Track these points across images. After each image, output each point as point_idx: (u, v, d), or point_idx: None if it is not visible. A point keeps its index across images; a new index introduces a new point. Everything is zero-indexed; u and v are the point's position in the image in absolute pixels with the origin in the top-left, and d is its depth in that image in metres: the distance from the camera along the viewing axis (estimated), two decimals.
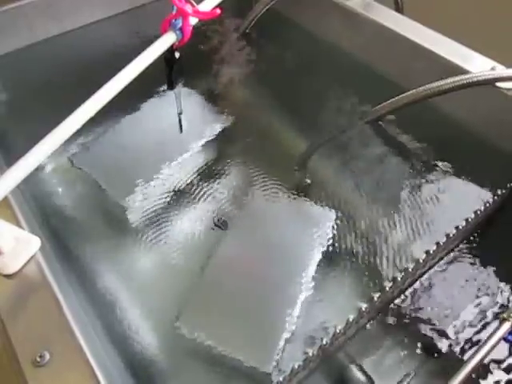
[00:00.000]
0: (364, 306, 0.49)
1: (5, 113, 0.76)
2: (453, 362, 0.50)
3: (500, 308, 0.54)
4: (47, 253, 0.50)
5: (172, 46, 0.57)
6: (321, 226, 0.59)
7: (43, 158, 0.46)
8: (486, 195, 0.61)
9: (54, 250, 0.53)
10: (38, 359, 0.41)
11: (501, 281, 0.56)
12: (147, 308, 0.55)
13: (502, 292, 0.56)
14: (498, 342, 0.46)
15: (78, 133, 0.48)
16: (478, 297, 0.55)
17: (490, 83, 0.62)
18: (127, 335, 0.53)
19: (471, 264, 0.58)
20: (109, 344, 0.50)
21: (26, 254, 0.48)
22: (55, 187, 0.66)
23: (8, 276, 0.47)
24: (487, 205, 0.58)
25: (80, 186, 0.66)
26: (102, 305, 0.54)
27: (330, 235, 0.59)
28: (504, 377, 0.49)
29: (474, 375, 0.46)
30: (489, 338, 0.46)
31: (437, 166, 0.67)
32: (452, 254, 0.59)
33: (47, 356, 0.41)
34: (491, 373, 0.49)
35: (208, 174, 0.68)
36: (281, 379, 0.45)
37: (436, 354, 0.52)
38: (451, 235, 0.55)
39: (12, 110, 0.76)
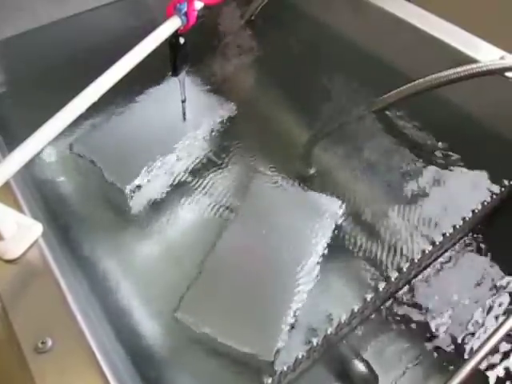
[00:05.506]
0: (369, 296, 0.49)
1: (7, 97, 0.75)
2: (457, 355, 0.50)
3: (506, 301, 0.54)
4: (49, 239, 0.50)
5: (177, 31, 0.56)
6: (325, 215, 0.59)
7: (45, 143, 0.45)
8: (494, 186, 0.60)
9: (56, 236, 0.53)
10: (41, 346, 0.41)
11: (508, 273, 0.56)
12: (149, 295, 0.55)
13: (508, 285, 0.55)
14: (504, 336, 0.45)
15: (80, 118, 0.48)
16: (484, 289, 0.55)
17: (498, 73, 0.62)
18: (129, 322, 0.52)
19: (478, 256, 0.58)
20: (111, 330, 0.50)
21: (28, 239, 0.48)
22: (57, 173, 0.65)
23: (10, 261, 0.47)
24: (494, 196, 0.58)
25: (82, 173, 0.65)
26: (103, 291, 0.54)
27: (335, 224, 0.59)
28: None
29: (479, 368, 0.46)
30: (495, 331, 0.46)
31: (444, 156, 0.67)
32: (458, 246, 0.58)
33: (49, 342, 0.41)
34: (497, 367, 0.49)
35: (212, 161, 0.67)
36: (284, 368, 0.45)
37: (440, 346, 0.51)
38: (458, 226, 0.54)
39: (14, 94, 0.75)
